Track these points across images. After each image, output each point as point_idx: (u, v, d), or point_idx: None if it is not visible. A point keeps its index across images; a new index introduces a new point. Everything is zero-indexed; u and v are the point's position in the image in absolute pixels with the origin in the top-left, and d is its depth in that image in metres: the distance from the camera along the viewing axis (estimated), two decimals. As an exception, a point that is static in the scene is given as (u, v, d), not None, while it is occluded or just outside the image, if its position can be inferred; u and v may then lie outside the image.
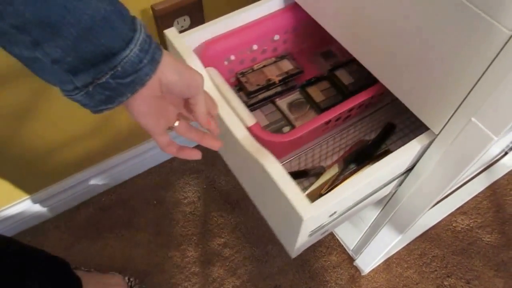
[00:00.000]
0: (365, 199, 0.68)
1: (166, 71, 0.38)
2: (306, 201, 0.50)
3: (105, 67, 0.34)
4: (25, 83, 0.78)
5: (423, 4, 0.46)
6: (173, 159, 1.21)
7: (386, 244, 0.88)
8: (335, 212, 0.59)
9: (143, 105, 0.39)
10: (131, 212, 1.12)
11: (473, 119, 0.47)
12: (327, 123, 0.65)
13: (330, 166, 0.73)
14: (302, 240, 0.59)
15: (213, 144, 0.48)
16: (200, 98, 0.43)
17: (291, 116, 0.73)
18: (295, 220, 0.52)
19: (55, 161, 0.98)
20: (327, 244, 1.08)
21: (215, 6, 0.92)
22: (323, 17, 0.66)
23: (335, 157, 0.76)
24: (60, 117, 0.89)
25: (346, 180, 0.58)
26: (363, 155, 0.72)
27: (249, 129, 0.58)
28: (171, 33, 0.65)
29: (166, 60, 0.38)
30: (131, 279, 0.99)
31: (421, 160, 0.61)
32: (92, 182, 1.10)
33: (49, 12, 0.30)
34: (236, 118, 0.58)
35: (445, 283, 1.03)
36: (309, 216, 0.49)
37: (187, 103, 0.45)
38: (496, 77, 0.43)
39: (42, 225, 1.10)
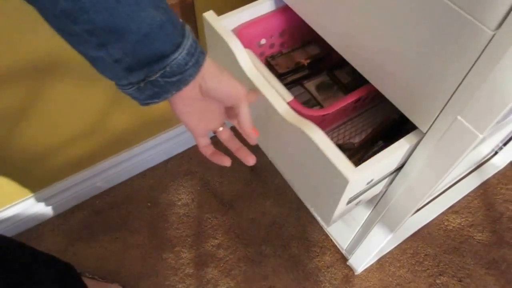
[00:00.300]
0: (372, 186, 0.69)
1: (206, 76, 0.43)
2: (350, 164, 0.53)
3: (156, 67, 0.39)
4: (18, 87, 0.78)
5: (409, 5, 0.48)
6: (167, 162, 1.22)
7: (378, 243, 0.89)
8: (371, 180, 0.61)
9: (185, 105, 0.45)
10: (125, 214, 1.12)
11: (459, 117, 0.48)
12: (356, 101, 0.68)
13: (359, 143, 0.75)
14: (341, 207, 0.61)
15: (247, 159, 0.52)
16: (242, 108, 0.48)
17: (319, 97, 0.76)
18: (340, 183, 0.54)
19: (49, 163, 0.99)
20: (321, 244, 1.09)
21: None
22: (312, 19, 0.67)
23: (364, 135, 0.78)
24: (54, 120, 0.89)
25: (380, 152, 0.59)
26: (391, 132, 0.74)
27: (288, 104, 0.61)
28: (210, 16, 0.68)
29: (209, 66, 0.43)
30: None
31: (410, 159, 0.62)
32: (86, 184, 1.10)
33: (116, 20, 0.35)
34: (277, 94, 0.61)
35: (438, 281, 1.04)
36: (354, 178, 0.52)
37: (233, 110, 0.49)
38: (480, 76, 0.44)
39: (36, 228, 1.09)
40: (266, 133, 0.69)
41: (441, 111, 0.50)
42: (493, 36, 0.40)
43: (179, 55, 0.39)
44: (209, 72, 0.43)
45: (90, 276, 0.99)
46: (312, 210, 0.70)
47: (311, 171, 0.63)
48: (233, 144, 0.53)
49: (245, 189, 1.18)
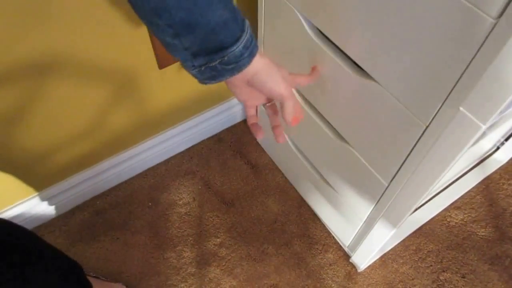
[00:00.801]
0: None
1: (256, 71, 0.51)
2: None
3: (216, 56, 0.46)
4: (18, 87, 0.78)
5: (409, -4, 0.47)
6: (167, 161, 1.21)
7: (381, 240, 0.89)
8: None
9: (235, 86, 0.54)
10: (126, 214, 1.12)
11: (461, 108, 0.48)
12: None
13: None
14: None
15: (278, 138, 0.61)
16: (285, 105, 0.55)
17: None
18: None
19: (49, 164, 0.98)
20: (323, 241, 1.08)
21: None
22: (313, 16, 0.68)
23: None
24: (54, 120, 0.89)
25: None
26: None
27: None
28: None
29: (259, 62, 0.50)
30: None
31: (412, 152, 0.61)
32: (87, 185, 1.10)
33: (190, 18, 0.42)
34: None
35: (441, 278, 1.04)
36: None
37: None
38: (482, 66, 0.43)
39: (36, 230, 1.09)
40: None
41: (443, 103, 0.50)
42: (495, 24, 0.40)
43: (237, 48, 0.46)
44: (259, 68, 0.50)
45: (94, 275, 0.98)
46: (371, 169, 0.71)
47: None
48: (273, 120, 0.62)
49: (246, 188, 1.17)
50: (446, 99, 0.49)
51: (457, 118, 0.49)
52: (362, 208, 0.87)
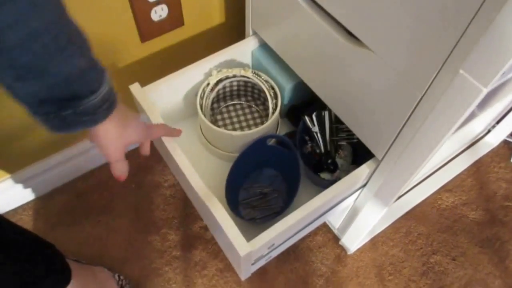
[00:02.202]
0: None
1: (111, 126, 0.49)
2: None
3: (69, 106, 0.41)
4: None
5: None
6: (152, 142, 1.17)
7: (371, 221, 0.86)
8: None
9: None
10: (108, 197, 1.08)
11: (461, 71, 0.45)
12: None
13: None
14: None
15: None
16: (112, 166, 0.57)
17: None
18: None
19: (25, 142, 0.93)
20: (312, 224, 1.06)
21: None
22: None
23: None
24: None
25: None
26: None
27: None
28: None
29: (115, 115, 0.47)
30: (121, 277, 0.94)
31: (409, 121, 0.58)
32: (67, 166, 1.05)
33: (37, 63, 0.36)
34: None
35: (431, 260, 1.02)
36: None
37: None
38: (483, 25, 0.40)
39: (13, 212, 1.04)
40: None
41: (441, 68, 0.47)
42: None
43: (95, 99, 0.42)
44: (114, 123, 0.49)
45: (74, 259, 0.94)
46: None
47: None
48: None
49: (234, 170, 1.14)
50: (444, 62, 0.46)
51: (456, 83, 0.46)
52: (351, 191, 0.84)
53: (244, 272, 0.73)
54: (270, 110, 0.84)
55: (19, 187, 1.01)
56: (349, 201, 0.85)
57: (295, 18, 0.70)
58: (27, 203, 1.06)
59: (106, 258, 0.99)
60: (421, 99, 0.53)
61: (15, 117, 0.86)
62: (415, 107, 0.55)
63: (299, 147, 0.83)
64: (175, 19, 0.90)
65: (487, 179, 1.16)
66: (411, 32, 0.48)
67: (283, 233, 0.66)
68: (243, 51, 0.89)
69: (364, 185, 0.79)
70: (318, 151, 0.86)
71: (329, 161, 0.84)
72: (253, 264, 0.72)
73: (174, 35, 0.94)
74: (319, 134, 0.85)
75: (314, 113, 0.84)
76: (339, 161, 0.85)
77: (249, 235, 0.65)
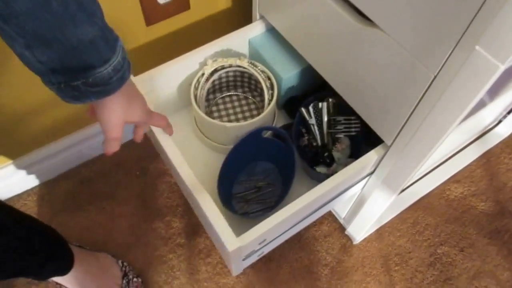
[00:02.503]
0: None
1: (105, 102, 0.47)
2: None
3: (79, 76, 0.40)
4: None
5: None
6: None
7: (378, 210, 0.85)
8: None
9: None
10: (112, 184, 1.07)
11: (477, 47, 0.43)
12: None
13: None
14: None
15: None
16: (106, 142, 0.54)
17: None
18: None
19: (30, 128, 0.92)
20: (318, 214, 1.04)
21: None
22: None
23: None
24: (35, 78, 0.82)
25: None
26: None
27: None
28: None
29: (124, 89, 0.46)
30: (124, 263, 0.94)
31: (417, 107, 0.57)
32: (71, 152, 1.04)
33: (46, 30, 0.35)
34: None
35: (439, 251, 1.00)
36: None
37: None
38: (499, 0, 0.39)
39: (17, 197, 1.04)
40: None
41: (456, 45, 0.45)
42: None
43: (105, 70, 0.41)
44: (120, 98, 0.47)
45: (77, 245, 0.94)
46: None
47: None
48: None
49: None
50: (460, 39, 0.44)
51: (472, 60, 0.44)
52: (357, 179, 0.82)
53: (235, 268, 0.70)
54: (266, 101, 0.80)
55: (24, 172, 1.00)
56: (356, 189, 0.83)
57: (304, 0, 0.68)
58: (32, 189, 1.05)
59: (110, 244, 0.99)
60: (433, 80, 0.51)
61: (20, 102, 0.85)
62: (427, 89, 0.53)
63: (295, 140, 0.81)
64: (181, 3, 0.88)
65: (497, 170, 1.13)
66: (424, 8, 0.47)
67: (275, 228, 0.64)
68: (240, 40, 0.86)
69: (372, 173, 0.78)
70: (315, 144, 0.83)
71: (326, 154, 0.81)
72: (244, 260, 0.69)
73: (180, 19, 0.92)
74: (315, 126, 0.82)
75: (311, 105, 0.81)
76: (336, 154, 0.81)
77: (242, 230, 0.62)
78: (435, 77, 0.51)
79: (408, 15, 0.50)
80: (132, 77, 0.74)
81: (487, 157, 1.15)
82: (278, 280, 0.96)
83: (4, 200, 1.03)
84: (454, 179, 1.11)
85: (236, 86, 0.92)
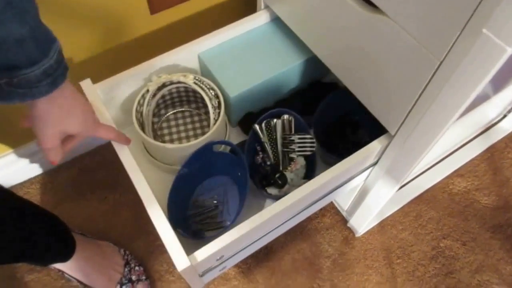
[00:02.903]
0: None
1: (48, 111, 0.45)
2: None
3: (2, 75, 0.38)
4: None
5: None
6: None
7: (381, 201, 0.84)
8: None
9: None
10: (115, 174, 1.07)
11: (484, 30, 0.42)
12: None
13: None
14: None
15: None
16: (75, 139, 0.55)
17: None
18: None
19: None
20: (320, 206, 1.04)
21: None
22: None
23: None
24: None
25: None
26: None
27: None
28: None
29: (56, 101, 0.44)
30: (126, 252, 0.94)
31: (422, 95, 0.56)
32: (74, 141, 1.04)
33: None
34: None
35: (441, 244, 1.00)
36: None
37: None
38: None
39: (20, 185, 1.04)
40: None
41: (464, 27, 0.45)
42: None
43: (32, 72, 0.39)
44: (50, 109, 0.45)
45: (80, 232, 0.94)
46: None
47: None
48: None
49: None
50: (467, 23, 0.44)
51: (479, 44, 0.43)
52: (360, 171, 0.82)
53: (193, 284, 0.68)
54: (212, 120, 0.75)
55: (27, 160, 1.01)
56: (359, 181, 0.83)
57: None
58: (35, 177, 1.06)
59: (112, 233, 0.99)
60: (439, 66, 0.51)
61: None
62: (433, 76, 0.53)
63: (248, 158, 0.76)
64: (185, -9, 0.88)
65: (501, 164, 1.13)
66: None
67: (231, 245, 0.61)
68: (189, 54, 0.81)
69: (375, 164, 0.77)
70: (269, 162, 0.78)
71: (277, 175, 0.75)
72: (202, 276, 0.66)
73: (185, 7, 0.92)
74: (268, 145, 0.78)
75: (264, 122, 0.77)
76: (289, 175, 0.76)
77: (200, 246, 0.59)
78: (440, 63, 0.50)
79: (415, 1, 0.49)
80: (90, 84, 0.72)
81: (491, 152, 1.15)
82: (279, 271, 0.96)
83: (7, 188, 1.03)
84: (458, 173, 1.11)
85: (189, 101, 0.87)
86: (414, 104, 0.59)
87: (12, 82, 0.38)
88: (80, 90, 0.71)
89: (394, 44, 0.56)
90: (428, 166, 1.10)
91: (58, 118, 0.47)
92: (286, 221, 0.74)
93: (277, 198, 0.65)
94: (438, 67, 0.51)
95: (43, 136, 0.49)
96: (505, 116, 1.19)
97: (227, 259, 0.68)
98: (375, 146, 0.69)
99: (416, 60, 0.54)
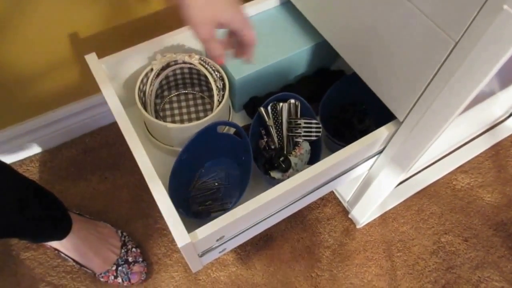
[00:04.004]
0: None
1: None
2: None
3: None
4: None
5: None
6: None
7: (384, 191, 0.83)
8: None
9: None
10: (116, 155, 1.06)
11: (505, 7, 0.41)
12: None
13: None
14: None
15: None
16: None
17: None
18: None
19: (34, 91, 0.91)
20: (322, 196, 1.03)
21: None
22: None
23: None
24: (40, 37, 0.81)
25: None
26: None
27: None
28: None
29: None
30: (124, 233, 0.93)
31: (434, 79, 0.55)
32: (75, 121, 1.03)
33: None
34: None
35: (442, 240, 0.99)
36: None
37: None
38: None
39: (20, 163, 1.03)
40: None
41: (484, 3, 0.43)
42: None
43: None
44: None
45: (77, 212, 0.93)
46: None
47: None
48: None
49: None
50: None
51: (498, 21, 0.42)
52: (363, 162, 0.81)
53: (192, 264, 0.67)
54: (215, 102, 0.74)
55: (27, 137, 0.99)
56: (363, 170, 0.82)
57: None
58: (35, 155, 1.04)
59: (110, 214, 0.98)
60: (454, 47, 0.50)
61: (21, 62, 0.84)
62: (446, 58, 0.52)
63: (252, 141, 0.75)
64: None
65: (505, 162, 1.12)
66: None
67: (232, 225, 0.60)
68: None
69: (381, 152, 0.76)
70: (273, 146, 0.77)
71: (281, 159, 0.74)
72: (201, 256, 0.65)
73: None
74: (273, 128, 0.77)
75: (270, 105, 0.76)
76: (293, 159, 0.75)
77: (200, 226, 0.59)
78: (456, 43, 0.49)
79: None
80: (95, 59, 0.70)
81: (496, 150, 1.14)
82: (278, 259, 0.95)
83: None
84: (462, 169, 1.10)
85: (193, 84, 0.86)
86: (425, 89, 0.58)
87: None
88: (84, 64, 0.70)
89: (407, 24, 0.54)
90: (433, 161, 1.09)
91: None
92: (287, 206, 0.73)
93: (279, 183, 0.64)
94: (453, 48, 0.50)
95: (194, 21, 0.46)
96: (511, 114, 1.17)
97: (227, 241, 0.67)
98: (383, 132, 0.68)
99: (430, 42, 0.52)
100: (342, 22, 0.68)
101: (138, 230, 0.96)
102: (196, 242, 0.57)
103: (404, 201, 1.04)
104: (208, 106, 0.85)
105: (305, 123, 0.76)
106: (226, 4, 0.48)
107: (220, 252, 0.70)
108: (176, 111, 0.84)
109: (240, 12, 0.51)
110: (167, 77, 0.81)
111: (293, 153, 0.76)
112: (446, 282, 0.94)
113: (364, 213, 0.94)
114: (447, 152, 1.11)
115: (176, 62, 0.77)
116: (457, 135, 1.12)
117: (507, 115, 1.18)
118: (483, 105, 1.01)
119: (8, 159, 1.01)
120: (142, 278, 0.90)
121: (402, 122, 0.66)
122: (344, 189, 0.99)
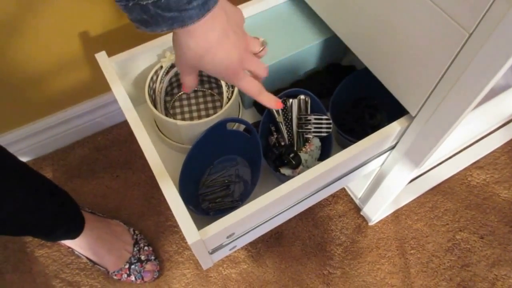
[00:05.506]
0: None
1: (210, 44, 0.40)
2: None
3: None
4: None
5: None
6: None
7: (396, 188, 0.82)
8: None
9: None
10: (128, 153, 1.07)
11: (521, -4, 0.40)
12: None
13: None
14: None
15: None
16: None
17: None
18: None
19: (46, 91, 0.92)
20: (334, 193, 1.02)
21: None
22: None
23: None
24: (53, 38, 0.82)
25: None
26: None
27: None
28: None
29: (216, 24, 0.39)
30: (136, 232, 0.94)
31: (446, 73, 0.54)
32: (88, 119, 1.04)
33: None
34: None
35: (457, 237, 0.97)
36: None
37: None
38: None
39: (33, 162, 1.04)
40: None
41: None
42: None
43: None
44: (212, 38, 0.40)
45: (90, 211, 0.94)
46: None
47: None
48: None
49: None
50: (501, -11, 0.41)
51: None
52: (375, 158, 0.79)
53: (202, 261, 0.66)
54: (225, 99, 0.74)
55: (40, 137, 1.01)
56: (374, 166, 0.80)
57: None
58: (48, 154, 1.06)
59: (122, 212, 0.99)
60: (467, 39, 0.48)
61: (34, 61, 0.85)
62: (460, 50, 0.50)
63: (262, 138, 0.75)
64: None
65: (522, 158, 1.09)
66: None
67: (242, 222, 0.60)
68: None
69: (393, 147, 0.75)
70: (283, 143, 0.76)
71: (291, 155, 0.73)
72: (212, 253, 0.65)
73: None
74: (283, 125, 0.76)
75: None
76: (303, 156, 0.74)
77: (210, 223, 0.58)
78: (470, 35, 0.48)
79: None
80: (105, 57, 0.69)
81: (512, 145, 1.11)
82: (289, 256, 0.94)
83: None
84: (477, 165, 1.07)
85: (202, 81, 0.85)
86: (438, 82, 0.56)
87: (160, 2, 0.34)
88: (95, 62, 0.70)
89: (419, 17, 0.53)
90: (447, 156, 1.07)
91: (194, 56, 0.42)
92: (298, 203, 0.72)
93: (290, 179, 0.63)
94: (467, 40, 0.49)
95: (179, 67, 0.46)
96: (529, 108, 1.14)
97: (238, 238, 0.67)
98: (395, 127, 0.67)
99: (444, 34, 0.51)
100: (353, 16, 0.67)
101: (149, 227, 0.97)
102: (206, 239, 0.57)
103: (418, 197, 1.02)
104: (217, 103, 0.85)
105: (315, 119, 0.75)
106: (212, 66, 0.44)
107: (230, 250, 0.70)
108: (186, 109, 0.84)
109: (229, 78, 0.47)
110: (176, 74, 0.81)
111: (303, 149, 0.75)
112: (462, 280, 0.92)
113: (377, 210, 0.93)
114: (461, 148, 1.08)
115: None
116: (472, 130, 1.09)
117: (524, 109, 1.15)
118: (498, 99, 0.99)
119: (22, 158, 1.03)
120: (155, 276, 0.90)
121: (415, 117, 0.65)
122: (356, 186, 0.98)
